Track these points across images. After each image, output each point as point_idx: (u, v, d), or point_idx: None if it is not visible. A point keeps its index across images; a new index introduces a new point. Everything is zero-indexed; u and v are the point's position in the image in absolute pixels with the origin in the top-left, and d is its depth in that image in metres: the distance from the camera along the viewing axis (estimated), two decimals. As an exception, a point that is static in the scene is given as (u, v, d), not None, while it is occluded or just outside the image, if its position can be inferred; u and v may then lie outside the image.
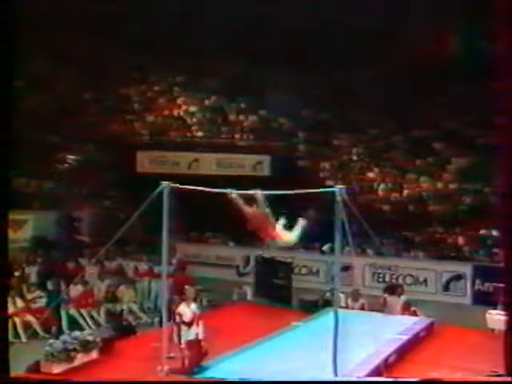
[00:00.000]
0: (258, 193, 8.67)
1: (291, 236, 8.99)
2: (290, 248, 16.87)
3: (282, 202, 9.19)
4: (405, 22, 20.25)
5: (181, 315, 9.46)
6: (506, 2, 7.88)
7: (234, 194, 8.72)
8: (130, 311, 14.00)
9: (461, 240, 16.61)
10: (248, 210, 8.70)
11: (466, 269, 15.18)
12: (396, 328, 11.67)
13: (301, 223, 9.07)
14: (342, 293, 12.76)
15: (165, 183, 9.03)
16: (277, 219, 8.87)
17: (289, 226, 9.01)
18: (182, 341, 9.35)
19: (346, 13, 19.80)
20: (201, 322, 9.50)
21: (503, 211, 8.27)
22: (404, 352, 10.71)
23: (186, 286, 10.35)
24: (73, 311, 13.06)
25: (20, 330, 12.09)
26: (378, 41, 20.72)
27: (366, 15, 20.13)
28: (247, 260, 17.25)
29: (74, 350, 9.81)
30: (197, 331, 9.39)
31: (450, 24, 21.33)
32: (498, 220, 9.76)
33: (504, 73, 8.03)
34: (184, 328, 9.38)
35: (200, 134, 20.96)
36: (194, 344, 9.30)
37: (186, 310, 9.50)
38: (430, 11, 20.22)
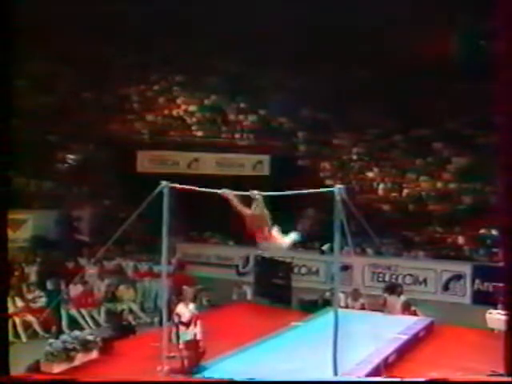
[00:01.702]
0: (256, 193, 8.66)
1: (284, 240, 8.90)
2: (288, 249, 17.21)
3: (280, 201, 9.17)
4: (405, 20, 20.26)
5: (179, 316, 9.44)
6: (506, 1, 7.88)
7: (230, 193, 8.70)
8: (130, 311, 14.01)
9: (460, 240, 16.60)
10: (245, 210, 8.69)
11: (466, 268, 15.17)
12: (396, 327, 11.68)
13: (294, 235, 9.03)
14: (342, 292, 12.78)
15: (164, 183, 9.03)
16: (274, 221, 8.83)
17: (284, 232, 9.00)
18: (180, 341, 9.34)
19: (346, 12, 19.80)
20: (199, 323, 9.51)
21: (503, 211, 8.27)
22: (404, 351, 10.72)
23: (185, 287, 10.35)
24: (73, 311, 13.09)
25: (20, 330, 12.12)
26: (377, 40, 20.74)
27: (366, 14, 20.13)
28: (247, 260, 17.24)
29: (74, 349, 9.84)
30: (195, 331, 9.39)
31: (450, 23, 21.33)
32: (497, 219, 9.76)
33: (504, 72, 8.03)
34: (182, 328, 9.37)
35: (200, 133, 20.95)
36: (192, 344, 9.31)
37: (185, 311, 9.50)
38: (430, 10, 20.23)
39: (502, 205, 8.30)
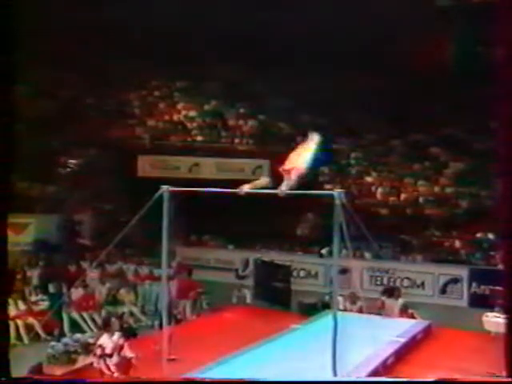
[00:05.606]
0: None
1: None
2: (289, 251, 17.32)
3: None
4: (404, 27, 20.39)
5: (103, 348, 9.33)
6: (506, 3, 7.95)
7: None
8: (131, 314, 14.07)
9: (458, 243, 16.73)
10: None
11: (463, 272, 15.29)
12: (394, 330, 11.74)
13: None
14: (341, 296, 12.86)
15: (164, 187, 9.12)
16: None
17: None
18: (111, 368, 9.23)
19: (346, 18, 19.93)
20: (126, 347, 9.40)
21: (502, 214, 8.34)
22: (402, 354, 10.79)
23: (112, 319, 10.20)
24: (74, 314, 13.14)
25: (22, 333, 12.17)
26: (377, 46, 20.86)
27: (366, 20, 20.26)
28: (246, 263, 17.35)
29: (76, 352, 9.90)
30: (122, 357, 9.33)
31: (448, 29, 21.47)
32: (496, 223, 9.84)
33: (502, 77, 8.10)
34: (108, 359, 9.27)
35: (200, 138, 21.08)
36: (124, 365, 9.28)
37: (107, 342, 9.41)
38: (428, 16, 20.37)
39: (501, 208, 8.38)
